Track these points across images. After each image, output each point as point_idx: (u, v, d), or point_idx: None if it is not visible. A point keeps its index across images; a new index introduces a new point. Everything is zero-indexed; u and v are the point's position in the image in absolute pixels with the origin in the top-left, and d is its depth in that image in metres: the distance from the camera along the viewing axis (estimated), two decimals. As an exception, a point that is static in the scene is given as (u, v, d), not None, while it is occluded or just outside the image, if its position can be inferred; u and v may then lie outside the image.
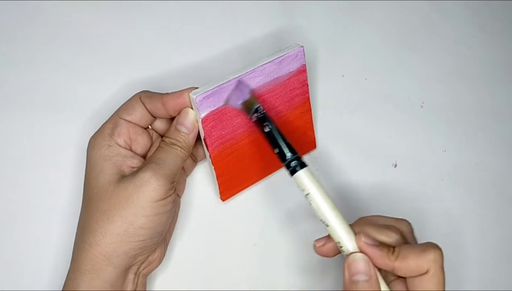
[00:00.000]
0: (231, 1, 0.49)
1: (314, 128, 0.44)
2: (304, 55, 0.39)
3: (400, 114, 0.49)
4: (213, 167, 0.38)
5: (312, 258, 0.42)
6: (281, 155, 0.34)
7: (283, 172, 0.43)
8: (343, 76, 0.49)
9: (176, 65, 0.45)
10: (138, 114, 0.36)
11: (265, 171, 0.42)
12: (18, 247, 0.37)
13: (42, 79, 0.42)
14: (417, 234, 0.35)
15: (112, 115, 0.36)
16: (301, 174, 0.33)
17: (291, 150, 0.34)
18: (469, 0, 0.57)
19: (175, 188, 0.34)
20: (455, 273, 0.44)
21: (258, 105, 0.36)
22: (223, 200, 0.40)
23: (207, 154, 0.37)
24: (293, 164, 0.34)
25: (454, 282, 0.43)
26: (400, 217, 0.35)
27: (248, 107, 0.36)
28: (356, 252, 0.31)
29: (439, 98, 0.51)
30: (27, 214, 0.38)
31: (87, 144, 0.35)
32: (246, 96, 0.36)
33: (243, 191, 0.41)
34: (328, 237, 0.34)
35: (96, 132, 0.35)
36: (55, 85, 0.42)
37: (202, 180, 0.42)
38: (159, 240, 0.34)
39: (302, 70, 0.39)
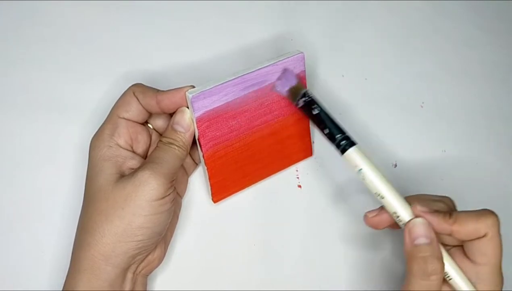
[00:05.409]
0: (231, 1, 0.49)
1: (314, 128, 0.44)
2: (304, 62, 0.39)
3: (400, 114, 0.49)
4: (206, 168, 0.38)
5: (312, 258, 0.42)
6: (331, 135, 0.36)
7: (281, 175, 0.43)
8: (343, 76, 0.49)
9: (175, 65, 0.45)
10: (135, 110, 0.36)
11: (260, 175, 0.42)
12: (18, 247, 0.37)
13: (42, 79, 0.42)
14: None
15: (109, 114, 0.36)
16: (350, 152, 0.35)
17: (340, 130, 0.36)
18: (470, 0, 0.57)
19: (174, 187, 0.35)
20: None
21: (305, 90, 0.37)
22: (215, 201, 0.40)
23: (201, 154, 0.37)
24: (342, 143, 0.35)
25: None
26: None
27: (295, 93, 0.38)
28: (415, 218, 0.33)
29: (439, 98, 0.51)
30: (27, 214, 0.38)
31: (87, 143, 0.35)
32: (293, 82, 0.38)
33: (237, 193, 0.41)
34: (381, 209, 0.35)
35: (96, 133, 0.35)
36: (55, 85, 0.42)
37: (203, 180, 0.42)
38: (158, 240, 0.34)
39: (302, 77, 0.39)
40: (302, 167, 0.44)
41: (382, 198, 0.34)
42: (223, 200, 0.41)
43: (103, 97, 0.42)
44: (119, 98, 0.36)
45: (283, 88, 0.38)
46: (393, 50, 0.52)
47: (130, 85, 0.36)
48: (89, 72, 0.43)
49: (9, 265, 0.37)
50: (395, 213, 0.34)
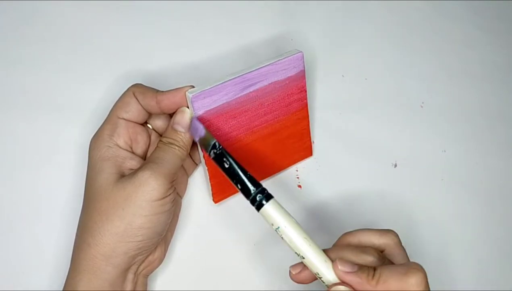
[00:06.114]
0: (231, 1, 0.49)
1: (314, 128, 0.44)
2: (303, 61, 0.39)
3: (400, 114, 0.49)
4: (206, 168, 0.38)
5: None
6: (245, 190, 0.33)
7: (281, 175, 0.43)
8: (343, 76, 0.49)
9: (175, 65, 0.45)
10: (135, 111, 0.35)
11: (260, 175, 0.41)
12: (18, 247, 0.37)
13: (42, 79, 0.42)
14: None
15: (109, 115, 0.36)
16: (267, 207, 0.32)
17: (254, 183, 0.33)
18: (469, 0, 0.57)
19: (174, 187, 0.34)
20: (454, 273, 0.44)
21: (214, 141, 0.34)
22: (216, 202, 0.40)
23: (201, 154, 0.37)
24: (258, 197, 0.32)
25: (454, 281, 0.43)
26: (386, 228, 0.35)
27: (205, 144, 0.34)
28: (337, 283, 0.31)
29: (439, 98, 0.51)
30: (27, 214, 0.38)
31: (87, 143, 0.35)
32: (202, 133, 0.34)
33: (237, 194, 0.41)
34: (304, 264, 0.33)
35: (96, 133, 0.35)
36: (55, 85, 0.42)
37: (203, 180, 0.42)
38: (159, 240, 0.34)
39: (301, 76, 0.39)
40: (302, 167, 0.44)
41: (303, 258, 0.32)
42: (223, 200, 0.41)
43: (103, 97, 0.42)
44: (119, 99, 0.36)
45: (195, 139, 0.35)
46: (393, 50, 0.52)
47: (130, 85, 0.36)
48: (89, 72, 0.43)
49: (9, 265, 0.37)
50: (317, 273, 0.31)
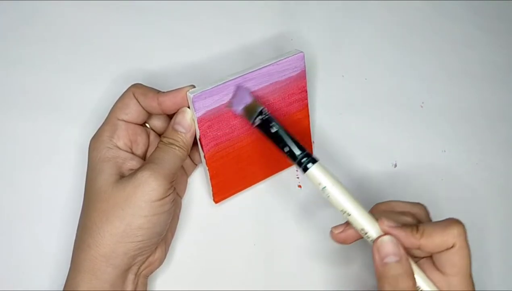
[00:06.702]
0: (231, 1, 0.49)
1: (314, 128, 0.44)
2: (304, 61, 0.39)
3: (400, 114, 0.49)
4: (207, 168, 0.38)
5: (312, 258, 0.42)
6: (291, 154, 0.34)
7: (281, 175, 0.43)
8: (343, 76, 0.49)
9: (175, 65, 0.45)
10: (134, 112, 0.35)
11: (261, 175, 0.42)
12: (18, 247, 0.37)
13: (42, 79, 0.42)
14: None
15: (108, 116, 0.36)
16: (313, 169, 0.33)
17: (300, 147, 0.34)
18: (469, 0, 0.57)
19: (174, 187, 0.34)
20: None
21: (261, 108, 0.35)
22: (216, 202, 0.40)
23: (202, 155, 0.37)
24: (303, 161, 0.34)
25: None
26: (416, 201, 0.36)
27: (250, 111, 0.36)
28: (383, 235, 0.32)
29: (439, 98, 0.51)
30: (27, 214, 0.38)
31: (87, 143, 0.35)
32: (248, 100, 0.36)
33: (238, 194, 0.41)
34: (347, 224, 0.34)
35: (95, 135, 0.35)
36: (55, 85, 0.42)
37: (203, 181, 0.42)
38: (159, 241, 0.34)
39: (302, 76, 0.39)
40: (302, 167, 0.44)
41: (349, 215, 0.33)
42: (224, 201, 0.41)
43: (103, 97, 0.42)
44: (118, 100, 0.36)
45: (238, 107, 0.36)
46: (393, 50, 0.52)
47: (130, 85, 0.36)
48: (89, 72, 0.43)
49: (9, 265, 0.37)
50: (362, 229, 0.33)
